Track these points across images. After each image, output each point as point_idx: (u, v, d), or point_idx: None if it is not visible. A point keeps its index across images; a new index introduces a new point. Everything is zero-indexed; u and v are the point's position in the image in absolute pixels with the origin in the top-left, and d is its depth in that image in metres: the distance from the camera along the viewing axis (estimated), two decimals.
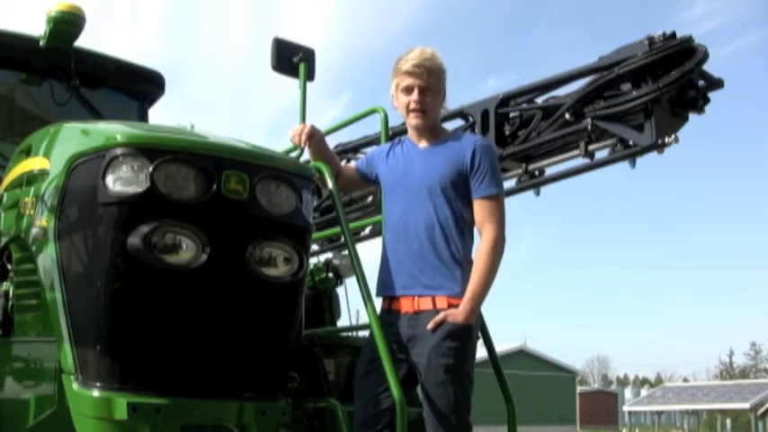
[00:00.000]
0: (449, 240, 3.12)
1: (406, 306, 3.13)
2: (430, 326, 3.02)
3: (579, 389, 51.36)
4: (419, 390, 3.08)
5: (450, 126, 4.72)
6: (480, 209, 3.14)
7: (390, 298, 3.19)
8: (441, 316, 3.03)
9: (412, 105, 3.24)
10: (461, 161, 3.16)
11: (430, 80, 3.22)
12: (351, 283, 4.76)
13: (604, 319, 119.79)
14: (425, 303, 3.09)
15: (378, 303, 3.20)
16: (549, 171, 4.69)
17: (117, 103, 5.20)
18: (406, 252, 3.15)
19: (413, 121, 3.27)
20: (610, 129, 4.21)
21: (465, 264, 3.12)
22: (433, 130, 3.32)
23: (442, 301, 3.07)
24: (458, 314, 3.02)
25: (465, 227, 3.16)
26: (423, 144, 3.30)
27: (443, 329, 3.02)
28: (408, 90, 3.24)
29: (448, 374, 2.99)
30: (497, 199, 3.17)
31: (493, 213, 3.13)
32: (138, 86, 5.36)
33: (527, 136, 4.56)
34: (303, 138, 3.39)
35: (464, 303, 3.04)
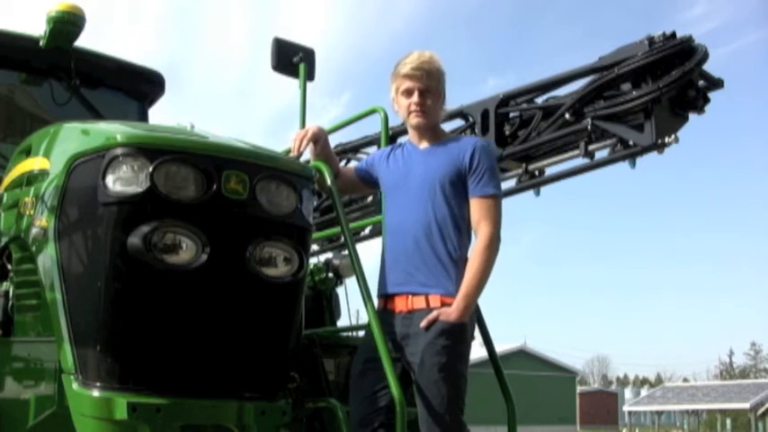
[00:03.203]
0: (445, 239, 3.11)
1: (400, 305, 3.13)
2: (423, 324, 3.02)
3: (579, 389, 51.35)
4: (414, 388, 3.07)
5: (450, 126, 4.73)
6: (477, 208, 3.14)
7: (386, 297, 3.19)
8: (433, 314, 3.02)
9: (412, 107, 3.24)
10: (461, 161, 3.16)
11: (429, 82, 3.22)
12: (351, 283, 4.76)
13: (604, 319, 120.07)
14: (419, 302, 3.08)
15: (377, 303, 3.20)
16: (549, 171, 4.69)
17: (117, 103, 5.20)
18: (403, 250, 3.15)
19: (413, 120, 3.26)
20: (610, 129, 4.21)
21: (461, 263, 3.11)
22: (433, 132, 3.32)
23: (435, 300, 3.06)
24: (450, 312, 3.01)
25: (463, 226, 3.16)
26: (423, 145, 3.30)
27: (436, 328, 3.01)
28: (408, 93, 3.25)
29: (441, 373, 2.99)
30: (494, 199, 3.16)
31: (489, 213, 3.13)
32: (138, 86, 5.36)
33: (527, 136, 4.55)
34: (304, 143, 3.39)
35: (457, 302, 3.03)
